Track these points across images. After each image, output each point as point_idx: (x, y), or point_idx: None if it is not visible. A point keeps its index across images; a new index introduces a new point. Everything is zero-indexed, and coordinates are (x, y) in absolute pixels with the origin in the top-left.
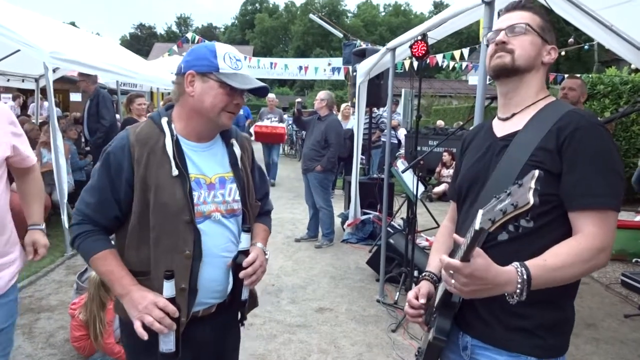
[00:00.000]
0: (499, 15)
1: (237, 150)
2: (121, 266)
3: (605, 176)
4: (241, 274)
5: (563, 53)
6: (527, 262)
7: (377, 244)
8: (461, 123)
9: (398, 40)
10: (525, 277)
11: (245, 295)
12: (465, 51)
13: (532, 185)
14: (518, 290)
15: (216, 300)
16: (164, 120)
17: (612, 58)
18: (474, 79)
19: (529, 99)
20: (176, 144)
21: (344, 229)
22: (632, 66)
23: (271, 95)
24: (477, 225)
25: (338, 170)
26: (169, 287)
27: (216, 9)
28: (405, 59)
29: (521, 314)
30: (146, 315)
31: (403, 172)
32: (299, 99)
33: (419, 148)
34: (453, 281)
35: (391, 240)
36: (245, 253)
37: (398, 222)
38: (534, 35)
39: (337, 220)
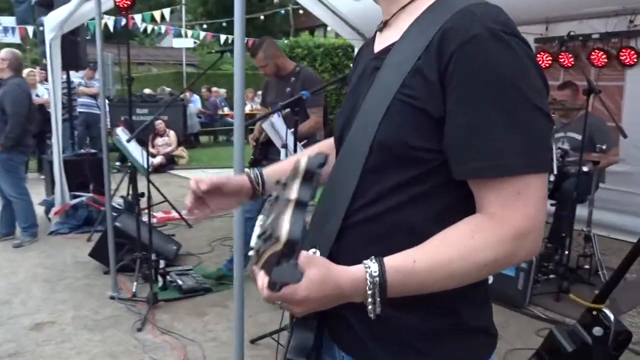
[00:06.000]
0: None
1: None
2: None
3: (514, 120)
4: None
5: (262, 17)
6: (387, 259)
7: (96, 230)
8: (167, 89)
9: None
10: (376, 280)
11: None
12: (166, 12)
13: (293, 196)
14: (370, 300)
15: None
16: None
17: (307, 26)
18: (179, 42)
19: None
20: None
21: (49, 219)
22: (329, 30)
23: None
24: (251, 251)
25: (31, 150)
26: None
27: None
28: (102, 17)
29: (396, 323)
30: None
31: (128, 141)
32: None
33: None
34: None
35: (117, 224)
36: None
37: (118, 201)
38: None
39: (40, 210)
